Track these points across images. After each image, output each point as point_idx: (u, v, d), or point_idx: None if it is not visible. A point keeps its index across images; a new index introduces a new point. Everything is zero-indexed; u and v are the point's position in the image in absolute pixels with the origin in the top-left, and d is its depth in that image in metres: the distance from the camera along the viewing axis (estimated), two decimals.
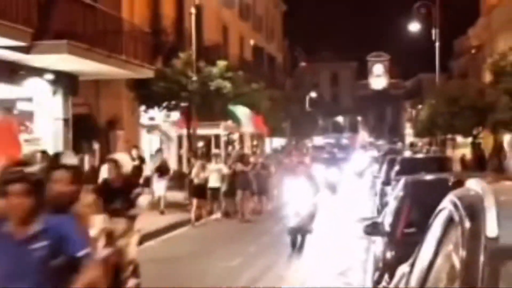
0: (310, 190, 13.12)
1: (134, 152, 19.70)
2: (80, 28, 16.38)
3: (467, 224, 2.57)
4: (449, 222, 2.92)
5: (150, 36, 21.83)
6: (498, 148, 24.22)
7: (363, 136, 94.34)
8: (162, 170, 20.09)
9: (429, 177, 8.38)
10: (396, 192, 8.39)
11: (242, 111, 27.32)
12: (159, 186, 19.83)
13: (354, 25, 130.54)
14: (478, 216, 2.52)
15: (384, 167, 19.10)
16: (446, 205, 3.10)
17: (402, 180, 8.01)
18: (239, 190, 19.24)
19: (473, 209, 2.62)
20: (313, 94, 67.88)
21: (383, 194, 16.33)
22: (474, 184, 2.96)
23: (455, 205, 2.87)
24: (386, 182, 16.38)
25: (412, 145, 55.44)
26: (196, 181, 19.17)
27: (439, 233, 3.09)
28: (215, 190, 19.50)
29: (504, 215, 2.44)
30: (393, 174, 16.04)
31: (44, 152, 14.98)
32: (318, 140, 73.44)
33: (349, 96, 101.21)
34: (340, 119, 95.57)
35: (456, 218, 2.75)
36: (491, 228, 2.39)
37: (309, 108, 61.74)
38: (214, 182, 19.40)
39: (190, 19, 24.60)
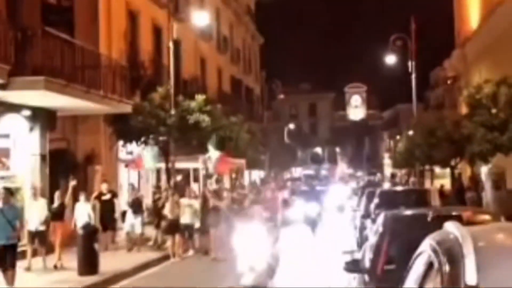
0: (268, 238, 11.28)
1: (104, 186, 19.53)
2: (57, 63, 16.39)
3: (447, 271, 2.60)
4: (429, 267, 2.95)
5: (128, 70, 21.88)
6: (476, 180, 24.46)
7: (342, 167, 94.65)
8: (135, 206, 19.84)
9: (408, 212, 8.43)
10: (375, 227, 8.44)
11: (212, 153, 26.88)
12: (135, 223, 19.60)
13: (331, 57, 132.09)
14: (457, 263, 2.55)
15: (363, 200, 19.17)
16: (426, 249, 3.14)
17: (381, 215, 8.06)
18: (212, 228, 18.55)
19: (452, 256, 2.65)
20: (291, 126, 68.19)
21: (362, 228, 16.35)
22: (453, 228, 2.99)
23: (434, 251, 2.91)
24: (366, 216, 16.43)
25: (393, 176, 55.73)
26: (170, 216, 18.90)
27: (419, 277, 3.13)
28: (188, 227, 19.07)
29: (483, 262, 2.46)
30: (372, 207, 16.09)
31: (5, 189, 14.89)
32: (297, 172, 73.58)
33: (327, 127, 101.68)
34: (318, 150, 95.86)
35: (436, 264, 2.78)
36: (470, 276, 2.41)
37: (287, 139, 61.95)
38: (187, 218, 19.02)
39: (168, 53, 24.74)
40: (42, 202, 15.72)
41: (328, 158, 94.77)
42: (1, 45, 14.30)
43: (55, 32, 16.67)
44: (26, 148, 17.59)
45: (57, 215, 16.17)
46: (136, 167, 24.25)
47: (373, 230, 8.58)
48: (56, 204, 16.34)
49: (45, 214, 15.58)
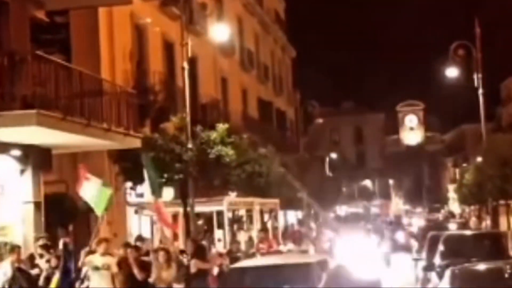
0: None
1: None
2: (51, 93, 16.62)
3: None
4: None
5: (135, 96, 22.12)
6: None
7: (397, 203, 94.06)
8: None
9: (480, 267, 8.36)
10: (442, 284, 8.39)
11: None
12: None
13: (379, 69, 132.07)
14: None
15: (425, 247, 18.95)
16: None
17: (449, 271, 8.01)
18: None
19: None
20: (333, 155, 68.14)
21: (425, 281, 16.20)
22: None
23: None
24: (429, 267, 16.21)
25: (453, 215, 55.06)
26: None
27: None
28: None
29: None
30: (437, 256, 15.94)
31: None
32: (343, 210, 73.28)
33: (377, 155, 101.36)
34: (367, 183, 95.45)
35: None
36: None
37: (329, 172, 61.91)
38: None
39: (182, 73, 24.97)
40: None
41: (380, 192, 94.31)
42: None
43: (48, 55, 16.94)
44: (17, 194, 17.80)
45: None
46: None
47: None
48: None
49: None
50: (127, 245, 17.05)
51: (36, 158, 17.96)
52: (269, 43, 49.87)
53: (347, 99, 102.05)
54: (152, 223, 26.26)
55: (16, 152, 17.25)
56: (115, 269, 15.33)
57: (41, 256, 16.07)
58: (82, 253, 15.59)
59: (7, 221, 17.71)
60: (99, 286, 15.13)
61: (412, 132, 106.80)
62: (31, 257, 16.16)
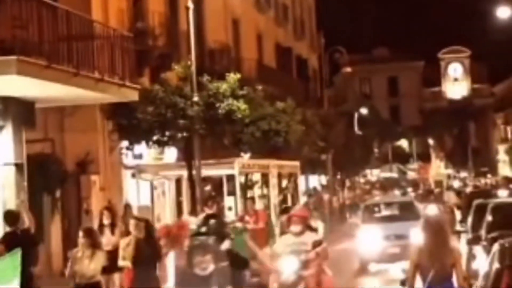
0: None
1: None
2: (34, 36, 16.65)
3: None
4: None
5: (132, 41, 22.12)
6: None
7: (438, 167, 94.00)
8: None
9: None
10: (489, 260, 8.44)
11: None
12: None
13: (419, 11, 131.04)
14: None
15: (470, 217, 19.02)
16: None
17: (497, 245, 8.06)
18: None
19: None
20: (363, 110, 68.05)
21: (470, 257, 16.29)
22: None
23: None
24: (474, 240, 16.35)
25: (509, 180, 54.73)
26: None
27: None
28: None
29: None
30: (483, 228, 15.99)
31: None
32: (374, 175, 73.42)
33: (414, 111, 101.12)
34: (403, 143, 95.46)
35: None
36: None
37: (358, 129, 61.90)
38: None
39: (186, 15, 24.91)
40: None
41: (418, 154, 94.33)
42: None
43: None
44: None
45: None
46: None
47: (486, 264, 8.58)
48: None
49: None
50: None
51: (17, 112, 18.00)
52: None
53: (380, 45, 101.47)
54: (152, 188, 26.45)
55: None
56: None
57: None
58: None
59: None
60: None
61: (456, 83, 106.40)
62: None
